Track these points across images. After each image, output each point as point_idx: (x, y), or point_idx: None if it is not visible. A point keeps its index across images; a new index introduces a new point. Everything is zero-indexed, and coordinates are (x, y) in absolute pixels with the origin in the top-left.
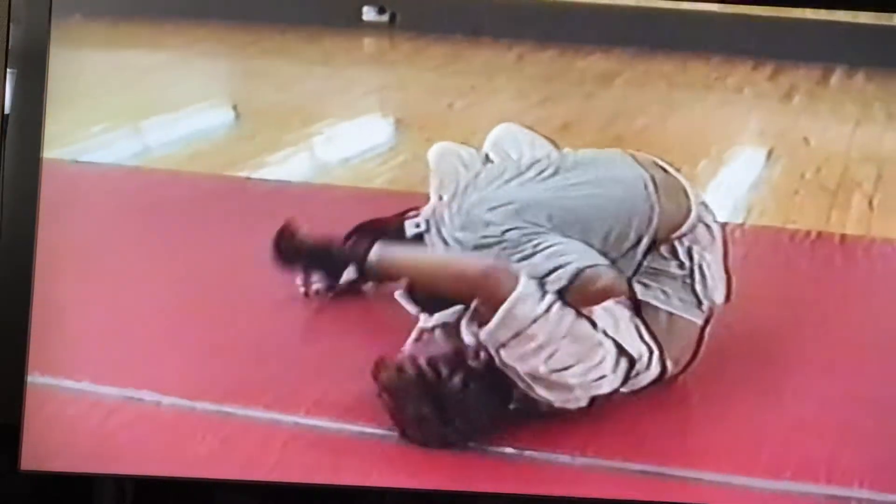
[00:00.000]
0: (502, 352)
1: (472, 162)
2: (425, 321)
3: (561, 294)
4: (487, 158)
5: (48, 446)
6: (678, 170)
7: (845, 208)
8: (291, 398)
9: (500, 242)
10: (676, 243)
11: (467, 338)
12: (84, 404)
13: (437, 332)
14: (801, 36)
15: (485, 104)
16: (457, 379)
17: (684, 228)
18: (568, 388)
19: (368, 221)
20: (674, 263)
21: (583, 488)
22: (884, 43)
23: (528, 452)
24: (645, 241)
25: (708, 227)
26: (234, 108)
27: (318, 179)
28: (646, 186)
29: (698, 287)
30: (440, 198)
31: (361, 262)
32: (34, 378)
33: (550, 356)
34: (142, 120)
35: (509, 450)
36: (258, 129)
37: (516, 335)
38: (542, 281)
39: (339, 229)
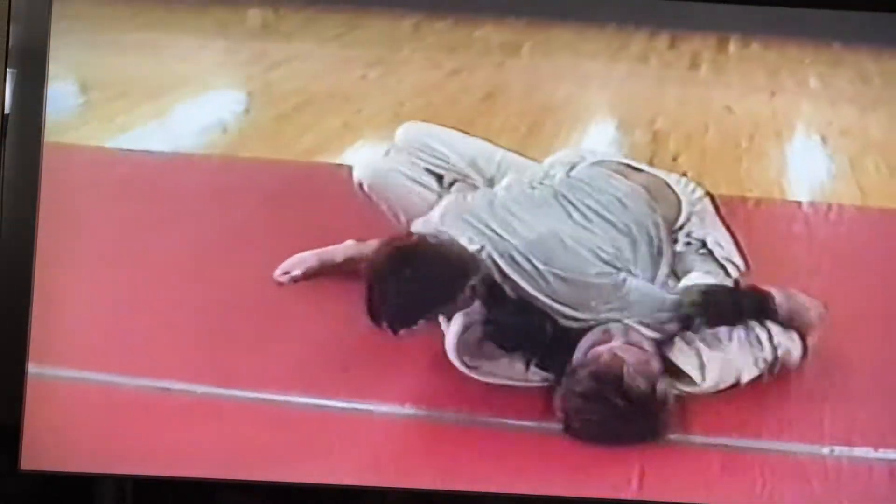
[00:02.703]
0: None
1: (419, 176)
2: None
3: None
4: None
5: (48, 446)
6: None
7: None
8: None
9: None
10: (678, 234)
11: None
12: (87, 393)
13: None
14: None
15: (398, 74)
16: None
17: (681, 220)
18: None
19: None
20: (692, 247)
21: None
22: (775, 11)
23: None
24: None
25: (696, 204)
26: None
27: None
28: (648, 204)
29: (716, 253)
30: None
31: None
32: (35, 369)
33: None
34: None
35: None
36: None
37: None
38: None
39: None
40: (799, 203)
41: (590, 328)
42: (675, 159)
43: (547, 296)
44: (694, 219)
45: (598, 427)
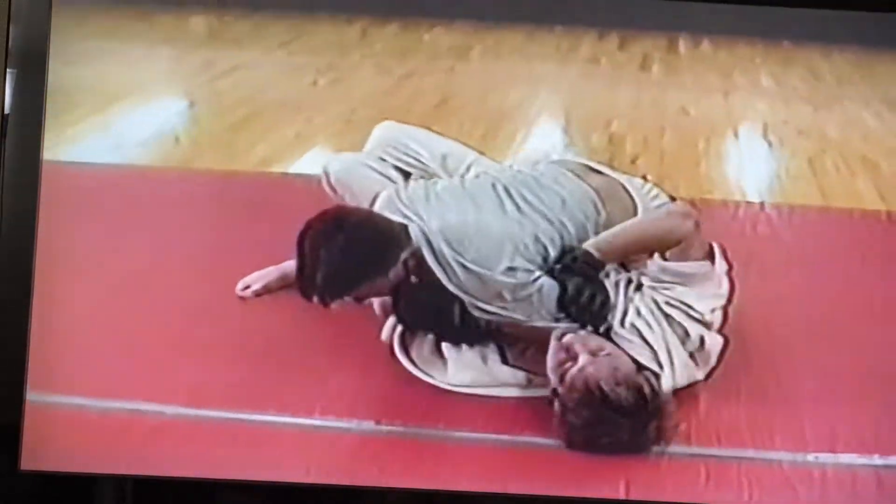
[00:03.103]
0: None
1: (387, 171)
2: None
3: None
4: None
5: (48, 446)
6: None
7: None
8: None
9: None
10: None
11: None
12: (85, 419)
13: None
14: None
15: (349, 81)
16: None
17: None
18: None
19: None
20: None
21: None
22: (719, 10)
23: None
24: None
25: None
26: None
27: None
28: (595, 205)
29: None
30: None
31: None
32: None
33: None
34: None
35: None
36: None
37: None
38: None
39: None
40: (762, 205)
41: (504, 321)
42: (633, 162)
43: (454, 285)
44: None
45: (614, 445)
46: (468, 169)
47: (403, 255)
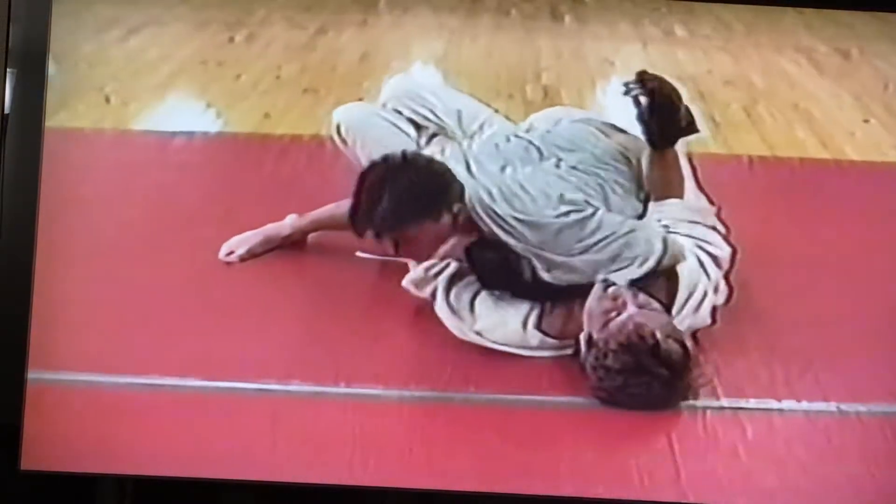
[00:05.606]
0: None
1: (401, 123)
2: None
3: None
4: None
5: (48, 446)
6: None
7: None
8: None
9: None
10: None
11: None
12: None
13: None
14: None
15: (265, 37)
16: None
17: None
18: None
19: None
20: None
21: None
22: None
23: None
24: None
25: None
26: None
27: None
28: (625, 157)
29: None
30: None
31: None
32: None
33: None
34: None
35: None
36: None
37: None
38: None
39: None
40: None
41: (574, 283)
42: None
43: (519, 242)
44: None
45: (644, 399)
46: (481, 127)
47: (456, 207)
